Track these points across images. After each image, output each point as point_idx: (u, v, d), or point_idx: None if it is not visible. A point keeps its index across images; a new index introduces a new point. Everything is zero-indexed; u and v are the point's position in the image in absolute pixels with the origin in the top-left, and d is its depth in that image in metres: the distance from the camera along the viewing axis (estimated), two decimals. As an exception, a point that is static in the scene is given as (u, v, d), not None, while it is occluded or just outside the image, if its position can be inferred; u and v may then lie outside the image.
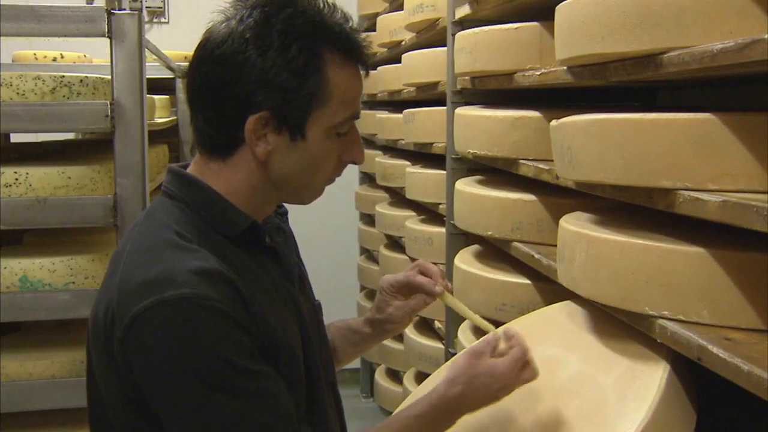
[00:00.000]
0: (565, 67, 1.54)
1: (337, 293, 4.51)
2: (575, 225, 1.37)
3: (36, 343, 2.20)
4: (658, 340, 1.17)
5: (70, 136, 3.81)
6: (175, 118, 3.49)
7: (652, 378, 1.20)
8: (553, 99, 2.25)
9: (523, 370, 1.20)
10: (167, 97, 3.43)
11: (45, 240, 2.29)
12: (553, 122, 1.45)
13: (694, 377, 1.28)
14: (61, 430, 2.12)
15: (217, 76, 1.10)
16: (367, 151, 4.05)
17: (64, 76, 1.93)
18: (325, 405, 1.24)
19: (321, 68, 1.11)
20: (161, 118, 3.10)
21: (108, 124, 1.85)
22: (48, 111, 1.86)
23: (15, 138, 3.20)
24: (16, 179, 1.94)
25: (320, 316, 1.35)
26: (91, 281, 1.98)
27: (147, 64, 2.01)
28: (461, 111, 2.11)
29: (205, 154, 1.17)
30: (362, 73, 1.18)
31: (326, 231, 4.72)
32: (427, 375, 1.63)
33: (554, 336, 1.47)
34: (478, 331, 2.06)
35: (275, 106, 1.10)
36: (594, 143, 1.26)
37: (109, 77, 1.92)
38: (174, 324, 1.02)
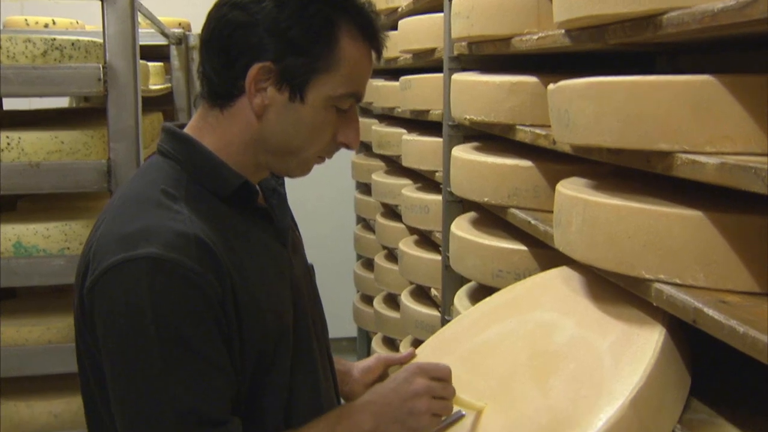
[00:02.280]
0: (563, 31, 1.52)
1: (334, 262, 4.52)
2: (572, 189, 1.36)
3: (32, 310, 2.20)
4: (654, 304, 1.17)
5: (64, 103, 3.78)
6: (169, 85, 3.46)
7: (647, 342, 1.20)
8: (551, 66, 2.23)
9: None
10: (161, 64, 3.39)
11: (39, 206, 2.28)
12: (551, 86, 1.43)
13: (689, 342, 1.28)
14: (57, 396, 2.13)
15: (232, 20, 1.11)
16: (363, 120, 4.02)
17: (55, 39, 1.90)
18: (317, 367, 1.25)
19: (334, 34, 1.11)
20: (155, 86, 3.07)
21: (101, 88, 1.83)
22: (39, 74, 1.83)
23: (6, 105, 3.18)
24: (8, 144, 1.92)
25: (313, 280, 1.35)
26: (85, 247, 1.98)
27: (140, 30, 1.98)
28: (458, 77, 2.09)
29: (206, 105, 1.17)
30: (373, 56, 1.18)
31: (323, 200, 4.72)
32: (422, 342, 1.63)
33: (550, 301, 1.47)
34: (474, 298, 2.06)
35: (281, 58, 1.10)
36: (592, 106, 1.25)
37: (102, 40, 1.89)
38: (136, 282, 1.02)
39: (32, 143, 1.91)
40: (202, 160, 1.15)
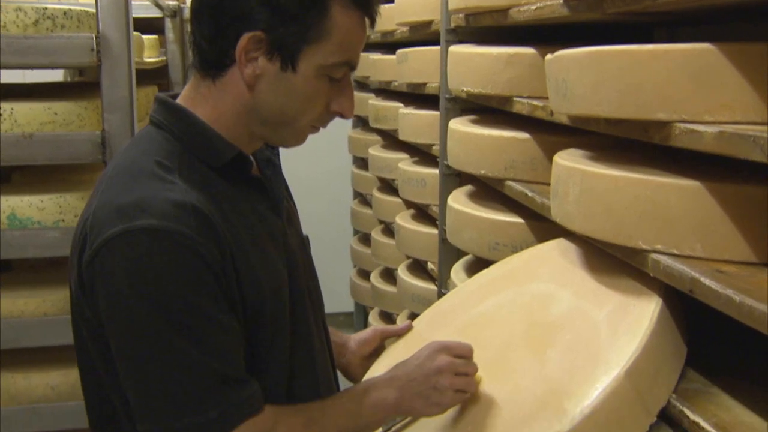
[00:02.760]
0: (561, 0, 1.50)
1: (331, 237, 4.52)
2: (569, 160, 1.35)
3: (28, 282, 2.20)
4: (651, 274, 1.16)
5: (58, 78, 3.75)
6: (164, 58, 3.43)
7: (644, 312, 1.20)
8: (549, 39, 2.21)
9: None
10: (156, 37, 3.36)
11: (34, 179, 2.27)
12: (549, 56, 1.42)
13: (685, 313, 1.28)
14: (55, 368, 2.13)
15: None
16: (360, 94, 4.00)
17: (46, 8, 1.87)
18: (313, 338, 1.25)
19: (325, 2, 1.09)
20: (150, 58, 3.04)
21: (94, 58, 1.80)
22: (31, 44, 1.80)
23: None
24: (0, 114, 1.90)
25: (308, 250, 1.35)
26: (80, 219, 1.96)
27: (135, 2, 1.96)
28: (455, 49, 2.08)
29: (198, 75, 1.16)
30: (367, 23, 1.15)
31: (319, 175, 4.71)
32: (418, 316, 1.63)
33: (547, 273, 1.46)
34: (471, 271, 2.05)
35: (271, 28, 1.08)
36: (590, 75, 1.23)
37: (94, 10, 1.86)
38: (137, 254, 1.01)
39: (25, 114, 1.89)
40: (195, 131, 1.14)
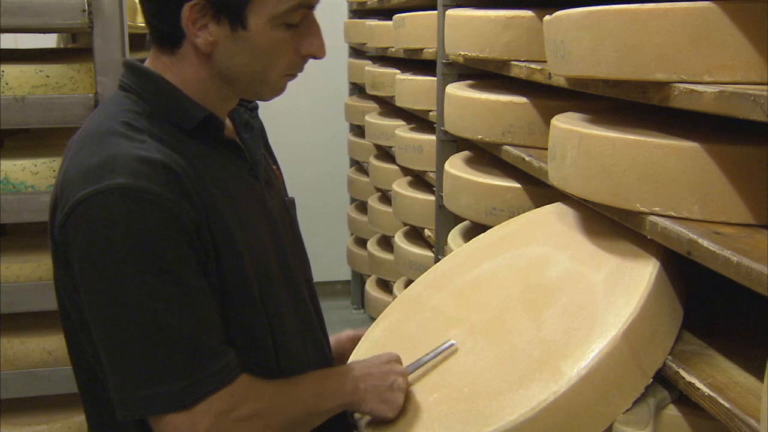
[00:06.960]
0: (560, -40, 1.48)
1: (328, 206, 4.52)
2: (567, 123, 1.34)
3: (23, 247, 2.20)
4: (649, 237, 1.16)
5: (51, 45, 3.71)
6: (159, 24, 3.38)
7: (641, 274, 1.20)
8: (547, 3, 2.18)
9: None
10: (150, 1, 3.31)
11: (26, 144, 2.25)
12: (547, 17, 1.40)
13: (683, 276, 1.28)
14: (51, 333, 2.13)
15: None
16: (356, 61, 3.97)
17: (38, -30, 1.85)
18: (297, 301, 1.24)
19: None
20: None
21: (85, 20, 1.78)
22: (21, 5, 1.78)
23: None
24: (-8, 77, 1.89)
25: (292, 213, 1.33)
26: (74, 184, 1.95)
27: (127, -36, 1.93)
28: (453, 12, 2.05)
29: (156, 48, 1.13)
30: None
31: (316, 143, 4.68)
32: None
33: (544, 236, 1.46)
34: (467, 237, 2.05)
35: None
36: (588, 36, 1.22)
37: (86, -28, 1.84)
38: (107, 215, 0.99)
39: (17, 77, 1.87)
40: (164, 92, 1.11)
